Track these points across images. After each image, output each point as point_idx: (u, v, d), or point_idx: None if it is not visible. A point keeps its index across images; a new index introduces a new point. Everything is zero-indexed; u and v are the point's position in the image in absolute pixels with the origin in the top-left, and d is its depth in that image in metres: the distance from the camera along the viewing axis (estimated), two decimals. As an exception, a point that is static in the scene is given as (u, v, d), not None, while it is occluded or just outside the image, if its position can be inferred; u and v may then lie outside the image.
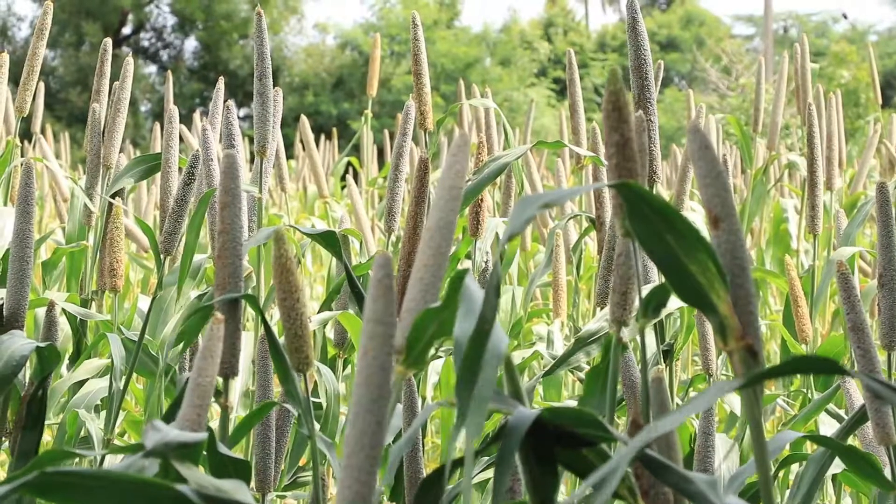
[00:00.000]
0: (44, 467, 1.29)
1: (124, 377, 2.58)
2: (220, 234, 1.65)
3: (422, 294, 1.34)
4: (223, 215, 1.65)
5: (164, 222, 2.99)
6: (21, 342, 2.26)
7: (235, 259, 1.66)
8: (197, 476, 1.34)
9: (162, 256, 2.60)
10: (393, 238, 2.94)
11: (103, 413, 3.02)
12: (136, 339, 2.62)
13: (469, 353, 1.25)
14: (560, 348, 3.29)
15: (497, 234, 3.13)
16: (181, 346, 2.60)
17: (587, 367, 2.87)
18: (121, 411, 3.34)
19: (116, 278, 2.80)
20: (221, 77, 2.96)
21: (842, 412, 2.95)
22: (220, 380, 1.74)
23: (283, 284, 1.59)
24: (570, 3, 44.21)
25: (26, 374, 2.38)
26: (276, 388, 2.38)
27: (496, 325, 1.27)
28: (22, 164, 2.35)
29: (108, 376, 2.89)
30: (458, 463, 1.41)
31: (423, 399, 3.15)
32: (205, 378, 1.39)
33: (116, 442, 2.83)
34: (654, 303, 1.57)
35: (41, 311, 2.97)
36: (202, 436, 1.35)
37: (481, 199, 2.91)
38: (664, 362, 2.33)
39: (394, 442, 2.27)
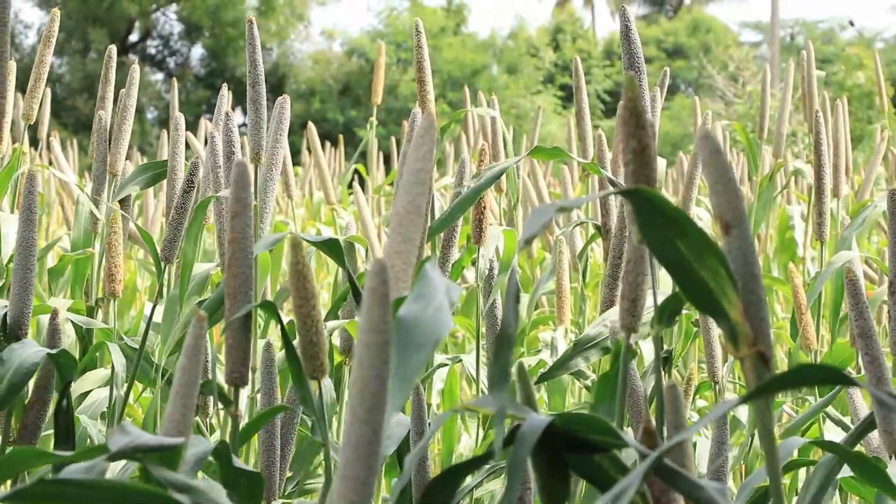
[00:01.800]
0: (15, 468, 1.29)
1: (125, 385, 2.57)
2: (230, 244, 1.65)
3: (393, 282, 1.33)
4: (233, 224, 1.64)
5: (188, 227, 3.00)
6: (32, 350, 2.25)
7: (246, 268, 1.65)
8: (171, 477, 1.33)
9: (162, 264, 2.61)
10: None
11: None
12: (137, 347, 2.63)
13: (495, 359, 1.25)
14: (564, 355, 3.28)
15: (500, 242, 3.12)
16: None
17: (591, 374, 2.87)
18: (127, 418, 3.35)
19: (115, 284, 2.80)
20: (225, 84, 2.96)
21: (846, 420, 2.95)
22: (227, 388, 1.74)
23: (300, 291, 1.59)
24: (578, 10, 44.23)
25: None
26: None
27: (443, 308, 1.26)
28: (24, 173, 2.34)
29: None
30: (461, 468, 1.41)
31: (429, 406, 3.15)
32: (190, 378, 1.38)
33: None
34: (668, 311, 1.57)
35: (46, 319, 2.97)
36: (178, 440, 1.34)
37: (483, 206, 2.91)
38: (663, 369, 2.33)
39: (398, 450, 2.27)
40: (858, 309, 1.95)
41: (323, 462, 1.96)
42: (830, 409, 2.83)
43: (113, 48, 3.20)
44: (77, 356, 2.94)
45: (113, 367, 2.58)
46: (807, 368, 1.26)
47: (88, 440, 2.74)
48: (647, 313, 2.05)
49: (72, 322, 2.91)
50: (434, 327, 1.26)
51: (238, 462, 1.51)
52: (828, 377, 1.34)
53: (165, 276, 2.60)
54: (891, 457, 1.90)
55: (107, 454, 1.31)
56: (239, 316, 1.67)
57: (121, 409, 2.56)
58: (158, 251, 2.61)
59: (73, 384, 2.87)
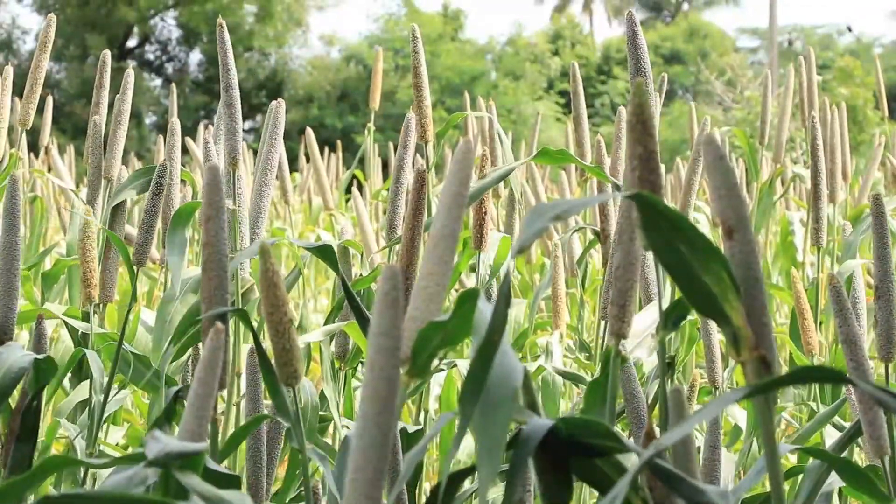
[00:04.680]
0: (44, 474, 1.28)
1: (109, 389, 2.57)
2: (204, 247, 1.64)
3: (426, 303, 1.34)
4: (207, 227, 1.64)
5: (166, 234, 2.99)
6: (19, 354, 2.24)
7: (221, 272, 1.65)
8: (199, 486, 1.33)
9: (136, 269, 2.61)
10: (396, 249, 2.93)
11: (106, 426, 3.01)
12: (137, 352, 2.62)
13: (475, 363, 1.25)
14: (559, 360, 3.27)
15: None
16: (182, 358, 2.59)
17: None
18: (125, 423, 3.34)
19: (90, 288, 2.79)
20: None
21: (847, 425, 2.95)
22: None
23: (270, 299, 1.59)
24: (577, 15, 44.28)
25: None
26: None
27: (510, 355, 1.26)
28: (10, 177, 2.33)
29: (126, 391, 2.88)
30: (460, 475, 1.41)
31: (426, 412, 3.14)
32: (206, 388, 1.38)
33: (115, 453, 2.82)
34: (674, 316, 1.57)
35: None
36: (203, 445, 1.34)
37: (485, 212, 2.90)
38: (665, 375, 2.33)
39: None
40: (843, 315, 1.97)
41: (321, 469, 1.95)
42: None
43: (107, 53, 3.19)
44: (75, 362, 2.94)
45: (91, 373, 2.56)
46: (804, 368, 1.27)
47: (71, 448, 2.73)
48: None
49: (68, 328, 2.90)
50: (506, 377, 1.26)
51: (212, 464, 1.50)
52: (824, 376, 1.41)
53: (163, 279, 2.60)
54: (879, 461, 1.91)
55: (144, 462, 1.31)
56: (214, 319, 1.66)
57: (99, 415, 2.55)
58: (131, 256, 2.63)
59: (71, 392, 2.87)
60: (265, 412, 2.13)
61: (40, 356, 2.28)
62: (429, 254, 1.35)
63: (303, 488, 2.70)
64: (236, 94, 2.48)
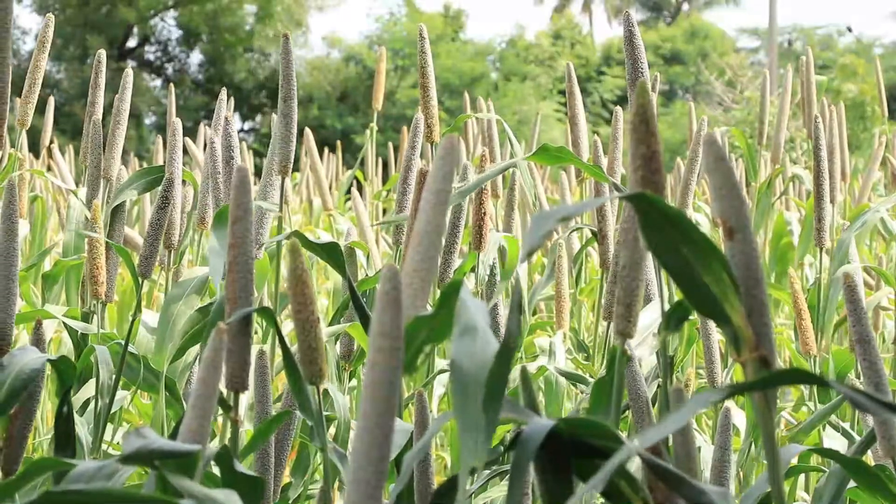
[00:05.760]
0: (34, 476, 1.29)
1: (115, 391, 2.56)
2: (230, 248, 1.65)
3: (411, 300, 1.34)
4: (234, 229, 1.64)
5: (167, 236, 2.99)
6: (33, 355, 2.23)
7: (247, 273, 1.65)
8: (189, 487, 1.33)
9: (140, 280, 2.60)
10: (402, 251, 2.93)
11: (110, 426, 3.02)
12: (138, 353, 2.62)
13: (495, 370, 1.25)
14: (562, 360, 3.28)
15: (502, 246, 3.11)
16: (188, 359, 2.59)
17: (592, 380, 2.87)
18: (126, 424, 3.35)
19: (97, 286, 2.79)
20: (224, 88, 2.95)
21: (846, 425, 2.95)
22: (227, 393, 1.74)
23: (298, 297, 1.59)
24: (576, 16, 44.25)
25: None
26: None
27: (490, 340, 1.26)
28: (8, 181, 2.32)
29: (126, 392, 2.88)
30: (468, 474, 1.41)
31: (431, 412, 3.14)
32: (208, 389, 1.38)
33: (117, 453, 2.82)
34: (676, 316, 1.57)
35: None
36: (193, 447, 1.33)
37: (484, 212, 2.91)
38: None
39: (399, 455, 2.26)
40: (856, 315, 1.95)
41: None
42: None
43: (102, 52, 3.19)
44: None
45: (99, 373, 2.56)
46: (785, 371, 1.27)
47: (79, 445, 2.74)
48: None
49: (67, 329, 2.90)
50: (488, 364, 1.26)
51: (240, 466, 1.51)
52: (804, 378, 1.44)
53: (162, 281, 2.60)
54: (890, 460, 1.90)
55: (118, 456, 1.30)
56: (238, 322, 1.66)
57: (105, 417, 2.55)
58: (136, 267, 2.62)
59: (76, 392, 2.87)
60: (272, 413, 2.13)
61: (55, 357, 2.27)
62: (413, 250, 1.35)
63: (304, 488, 2.71)
64: (294, 104, 2.47)
